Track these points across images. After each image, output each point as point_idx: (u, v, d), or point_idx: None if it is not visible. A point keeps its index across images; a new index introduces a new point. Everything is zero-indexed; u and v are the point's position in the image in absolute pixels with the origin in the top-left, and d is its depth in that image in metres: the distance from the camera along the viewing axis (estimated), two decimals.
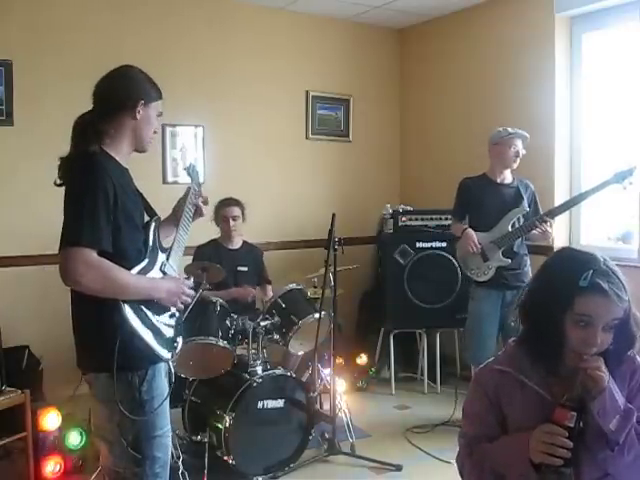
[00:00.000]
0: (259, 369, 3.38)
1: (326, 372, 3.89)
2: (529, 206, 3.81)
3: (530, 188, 3.89)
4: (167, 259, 2.12)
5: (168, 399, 2.12)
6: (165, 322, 2.07)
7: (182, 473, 3.11)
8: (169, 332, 2.08)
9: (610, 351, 1.47)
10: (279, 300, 3.63)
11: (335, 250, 3.57)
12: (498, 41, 4.78)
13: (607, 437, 1.42)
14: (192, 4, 4.69)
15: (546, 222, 3.57)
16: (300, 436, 3.43)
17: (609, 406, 1.41)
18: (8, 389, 3.15)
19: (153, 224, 2.11)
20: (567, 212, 4.41)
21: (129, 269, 1.95)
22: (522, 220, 3.74)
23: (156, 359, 2.01)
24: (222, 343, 3.34)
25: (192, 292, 2.14)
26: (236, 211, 4.01)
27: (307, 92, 5.24)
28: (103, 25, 4.32)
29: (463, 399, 4.35)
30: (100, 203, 1.88)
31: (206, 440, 3.25)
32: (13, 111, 3.99)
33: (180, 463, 3.15)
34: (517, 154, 3.75)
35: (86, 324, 1.99)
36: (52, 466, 3.24)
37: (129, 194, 2.03)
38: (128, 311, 1.91)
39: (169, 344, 2.06)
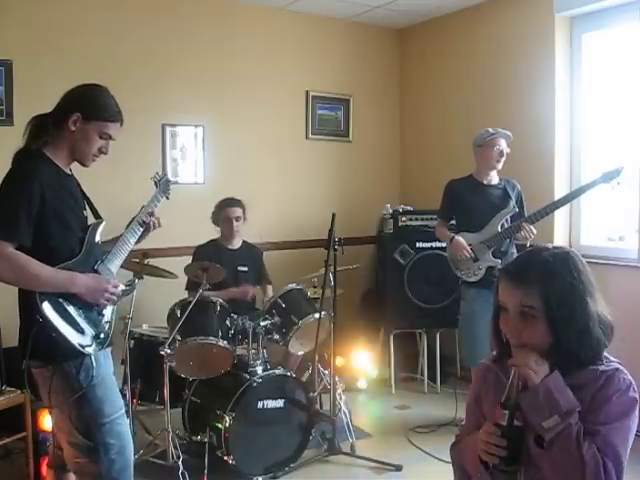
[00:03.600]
0: (259, 369, 3.38)
1: (326, 372, 3.89)
2: (516, 205, 3.83)
3: (517, 188, 3.90)
4: (103, 259, 2.21)
5: (115, 387, 2.22)
6: (91, 318, 2.14)
7: (182, 473, 3.11)
8: (92, 328, 2.14)
9: (559, 348, 1.42)
10: (279, 300, 3.63)
11: (335, 250, 3.57)
12: (498, 41, 4.78)
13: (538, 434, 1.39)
14: (192, 4, 4.69)
15: (532, 223, 3.59)
16: (300, 436, 3.43)
17: (543, 403, 1.37)
18: (8, 389, 3.16)
19: (92, 226, 2.21)
20: (567, 212, 4.43)
21: (55, 265, 2.05)
22: (510, 220, 3.77)
23: (78, 352, 2.08)
24: (222, 343, 3.34)
25: (118, 291, 2.20)
26: (239, 212, 4.02)
27: (307, 92, 5.24)
28: (103, 25, 4.32)
29: (463, 399, 4.36)
30: (21, 200, 1.99)
31: (206, 440, 3.26)
32: (13, 111, 3.99)
33: (180, 463, 3.16)
34: (501, 154, 3.76)
35: (21, 318, 2.13)
36: (46, 466, 3.23)
37: (62, 197, 2.11)
38: (43, 305, 2.00)
39: (90, 340, 2.12)
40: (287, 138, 5.18)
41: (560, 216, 4.37)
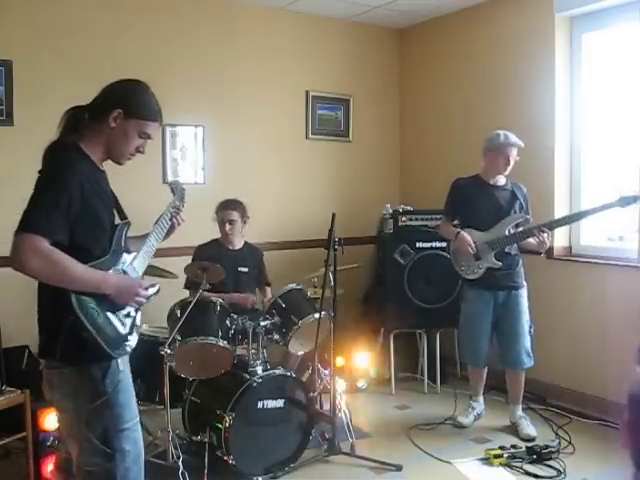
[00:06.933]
0: (259, 369, 3.38)
1: (326, 372, 3.89)
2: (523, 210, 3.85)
3: (523, 192, 3.92)
4: (132, 261, 2.15)
5: (134, 392, 2.15)
6: (119, 320, 2.08)
7: (182, 473, 3.11)
8: (122, 330, 2.08)
9: None
10: (279, 300, 3.62)
11: (335, 250, 3.57)
12: (498, 41, 4.78)
13: None
14: (192, 4, 4.69)
15: (544, 232, 3.60)
16: (300, 436, 3.42)
17: None
18: (8, 389, 3.16)
19: (120, 226, 2.14)
20: (567, 212, 4.43)
21: (85, 264, 1.98)
22: (516, 226, 3.77)
23: (107, 355, 2.02)
24: (222, 343, 3.34)
25: (148, 293, 2.14)
26: (234, 215, 3.99)
27: (307, 92, 5.24)
28: (103, 25, 4.32)
29: (463, 399, 4.38)
30: (61, 197, 1.91)
31: (206, 440, 3.26)
32: (13, 111, 3.99)
33: (180, 463, 3.15)
34: (508, 163, 3.78)
35: (45, 318, 2.04)
36: (52, 466, 3.23)
37: (98, 194, 2.04)
38: (77, 304, 1.94)
39: (119, 342, 2.06)
40: (287, 138, 5.18)
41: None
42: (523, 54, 4.58)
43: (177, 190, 2.45)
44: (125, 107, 2.06)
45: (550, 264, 4.21)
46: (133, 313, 2.15)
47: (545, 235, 3.60)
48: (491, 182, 3.87)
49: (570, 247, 4.43)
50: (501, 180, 3.89)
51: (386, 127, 5.71)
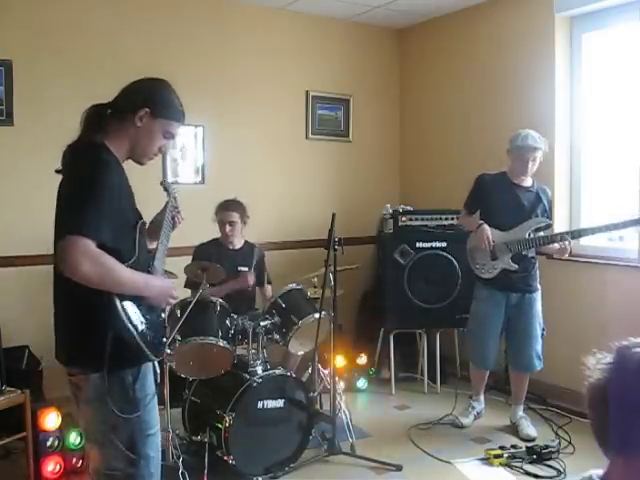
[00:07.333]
0: (259, 369, 3.38)
1: (326, 372, 3.89)
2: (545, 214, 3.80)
3: (548, 196, 3.86)
4: (152, 261, 2.12)
5: (156, 398, 2.10)
6: (153, 321, 2.04)
7: (182, 473, 3.11)
8: (156, 332, 2.05)
9: None
10: (279, 300, 3.62)
11: (335, 250, 3.57)
12: (498, 41, 4.78)
13: None
14: (192, 4, 4.69)
15: (566, 240, 3.55)
16: (300, 436, 3.43)
17: None
18: (8, 389, 3.16)
19: (141, 226, 2.09)
20: (567, 212, 4.44)
21: None
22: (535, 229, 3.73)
23: (145, 358, 1.98)
24: (222, 343, 3.34)
25: (177, 295, 2.12)
26: (234, 216, 3.97)
27: (307, 92, 5.24)
28: (103, 25, 4.32)
29: (462, 399, 4.37)
30: (104, 197, 1.86)
31: (206, 440, 3.26)
32: (13, 111, 3.99)
33: (180, 463, 3.16)
34: (526, 166, 3.71)
35: (77, 321, 1.96)
36: (52, 466, 3.24)
37: (127, 194, 2.01)
38: (121, 308, 1.88)
39: (156, 344, 2.03)
40: (287, 138, 5.18)
41: (560, 216, 4.38)
42: (523, 54, 4.58)
43: (170, 189, 2.45)
44: (152, 106, 2.02)
45: (550, 264, 4.21)
46: (163, 315, 2.12)
47: (567, 243, 3.55)
48: (516, 181, 3.79)
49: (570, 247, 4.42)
50: (527, 181, 3.81)
51: (386, 127, 5.71)
